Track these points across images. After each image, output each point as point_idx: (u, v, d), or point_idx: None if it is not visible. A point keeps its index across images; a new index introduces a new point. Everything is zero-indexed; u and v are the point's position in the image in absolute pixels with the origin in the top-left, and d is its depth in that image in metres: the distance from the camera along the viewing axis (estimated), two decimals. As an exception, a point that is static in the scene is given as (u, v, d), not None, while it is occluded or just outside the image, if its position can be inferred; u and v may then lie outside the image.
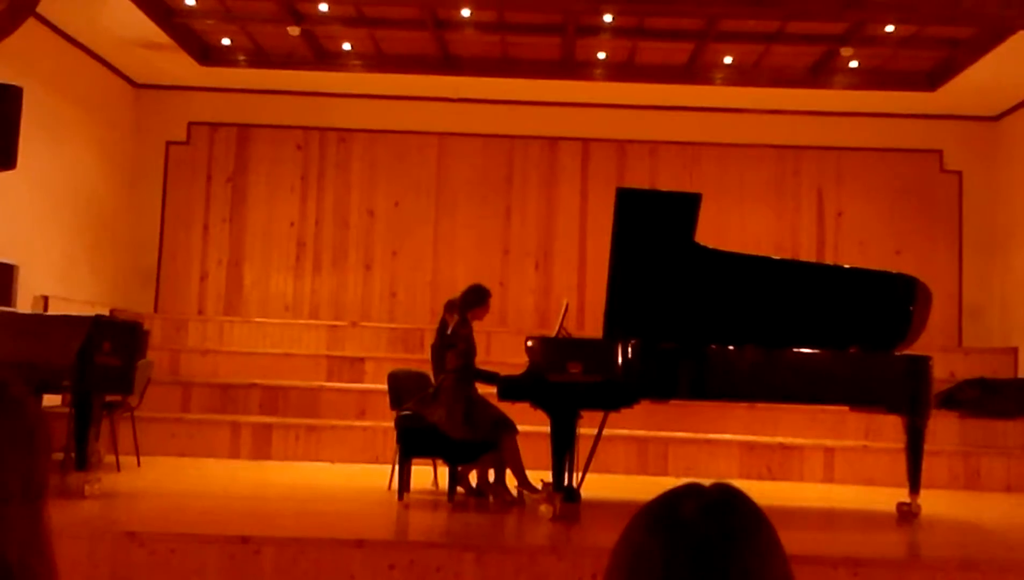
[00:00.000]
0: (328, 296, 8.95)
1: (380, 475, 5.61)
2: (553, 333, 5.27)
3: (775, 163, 9.01)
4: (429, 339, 5.79)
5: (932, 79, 8.17)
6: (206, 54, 8.30)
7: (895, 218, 8.94)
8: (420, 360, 6.50)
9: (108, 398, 5.39)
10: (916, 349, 5.18)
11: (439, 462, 5.47)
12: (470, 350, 5.15)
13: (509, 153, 9.03)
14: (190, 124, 9.06)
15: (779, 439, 6.84)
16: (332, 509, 4.89)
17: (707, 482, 0.87)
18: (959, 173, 8.97)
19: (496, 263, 8.90)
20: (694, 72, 8.24)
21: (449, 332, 5.17)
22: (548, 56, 8.17)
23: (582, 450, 5.22)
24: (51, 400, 6.31)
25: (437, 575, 3.62)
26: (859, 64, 8.05)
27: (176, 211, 9.00)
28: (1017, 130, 8.63)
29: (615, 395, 4.74)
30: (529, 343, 4.81)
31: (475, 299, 5.24)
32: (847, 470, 6.69)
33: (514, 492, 5.14)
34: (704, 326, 5.01)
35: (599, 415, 5.23)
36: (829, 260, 8.64)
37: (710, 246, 5.10)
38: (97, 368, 4.69)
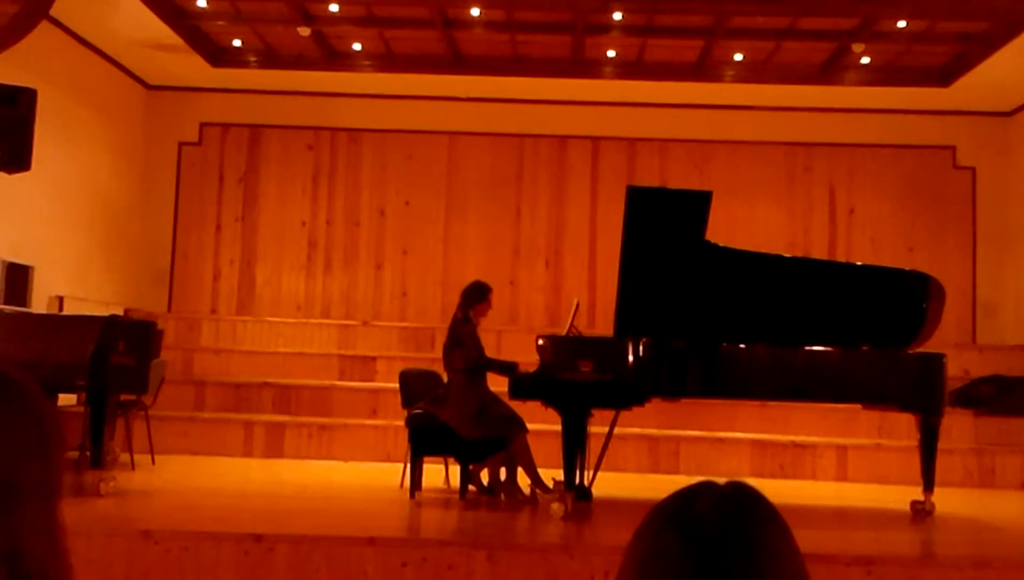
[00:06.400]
0: (339, 295, 8.98)
1: (392, 473, 5.63)
2: (563, 331, 5.26)
3: (786, 160, 8.97)
4: (440, 338, 5.80)
5: (945, 75, 8.12)
6: (217, 55, 8.34)
7: (908, 215, 8.88)
8: (431, 359, 6.51)
9: (123, 397, 5.42)
10: (930, 346, 5.15)
11: (451, 460, 5.48)
12: (477, 347, 5.15)
13: (519, 152, 9.03)
14: (202, 125, 9.10)
15: (791, 437, 6.81)
16: (344, 507, 4.91)
17: (721, 480, 0.87)
18: (972, 169, 8.90)
19: (506, 261, 8.91)
20: (704, 69, 8.21)
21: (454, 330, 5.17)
22: (557, 55, 8.16)
23: (593, 448, 5.22)
24: (66, 399, 6.36)
25: (449, 573, 3.63)
26: (871, 60, 8.00)
27: (189, 211, 9.05)
28: (1031, 126, 8.56)
29: (626, 393, 4.73)
30: (540, 342, 4.80)
31: (476, 296, 5.24)
32: (860, 468, 6.66)
33: (526, 491, 5.14)
34: (715, 324, 4.99)
35: (610, 413, 5.23)
36: (841, 258, 8.60)
37: (721, 244, 5.09)
38: (112, 367, 4.72)
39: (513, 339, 7.92)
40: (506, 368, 5.04)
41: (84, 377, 4.70)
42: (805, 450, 6.73)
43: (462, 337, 5.12)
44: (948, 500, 5.24)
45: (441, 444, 5.10)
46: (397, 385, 5.61)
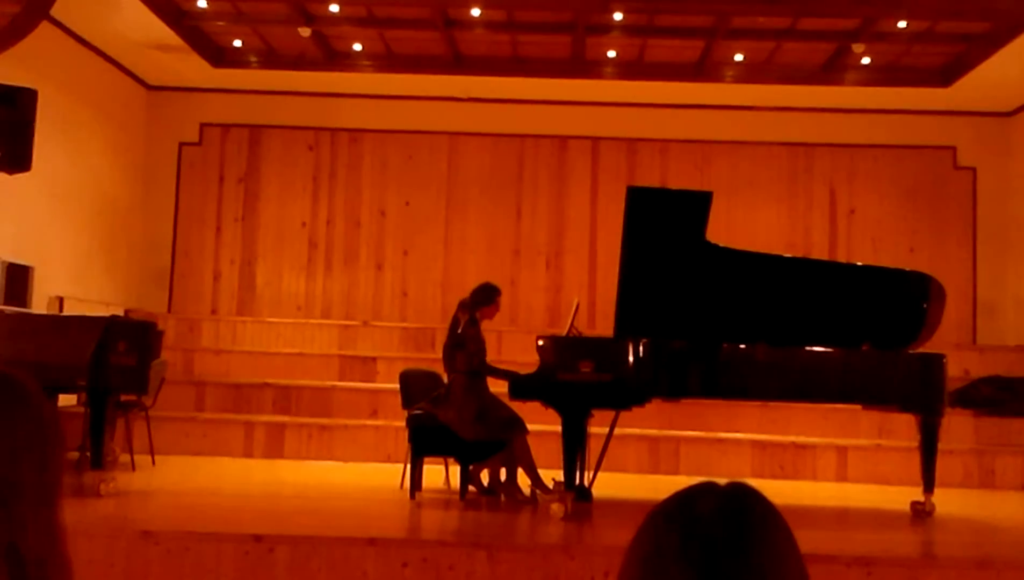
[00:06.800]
0: (340, 296, 8.98)
1: (392, 474, 5.63)
2: (564, 332, 5.26)
3: (787, 161, 8.97)
4: (440, 338, 5.80)
5: (945, 75, 8.12)
6: (218, 56, 8.34)
7: (908, 215, 8.88)
8: (431, 359, 6.51)
9: (123, 398, 5.43)
10: (930, 347, 5.15)
11: (451, 461, 5.48)
12: (480, 349, 5.15)
13: (519, 152, 9.03)
14: (202, 125, 9.11)
15: (792, 438, 6.81)
16: (345, 508, 4.91)
17: (722, 481, 0.87)
18: (973, 169, 8.90)
19: (507, 262, 8.91)
20: (705, 70, 8.21)
21: (459, 331, 5.17)
22: (558, 55, 8.17)
23: (593, 449, 5.22)
24: (66, 400, 6.36)
25: (450, 573, 3.63)
26: (871, 60, 8.00)
27: (189, 212, 9.05)
28: (1031, 126, 8.56)
29: (626, 394, 4.73)
30: (540, 342, 4.80)
31: (485, 298, 5.25)
32: (860, 469, 6.66)
33: (526, 491, 5.14)
34: (716, 324, 4.99)
35: (610, 414, 5.23)
36: (842, 258, 8.60)
37: (721, 244, 5.09)
38: (112, 368, 4.72)
39: (513, 339, 7.92)
40: (506, 375, 5.03)
41: (84, 377, 4.70)
42: (805, 450, 6.73)
43: (466, 338, 5.12)
44: (948, 501, 5.24)
45: (441, 445, 5.10)
46: (397, 385, 5.61)
